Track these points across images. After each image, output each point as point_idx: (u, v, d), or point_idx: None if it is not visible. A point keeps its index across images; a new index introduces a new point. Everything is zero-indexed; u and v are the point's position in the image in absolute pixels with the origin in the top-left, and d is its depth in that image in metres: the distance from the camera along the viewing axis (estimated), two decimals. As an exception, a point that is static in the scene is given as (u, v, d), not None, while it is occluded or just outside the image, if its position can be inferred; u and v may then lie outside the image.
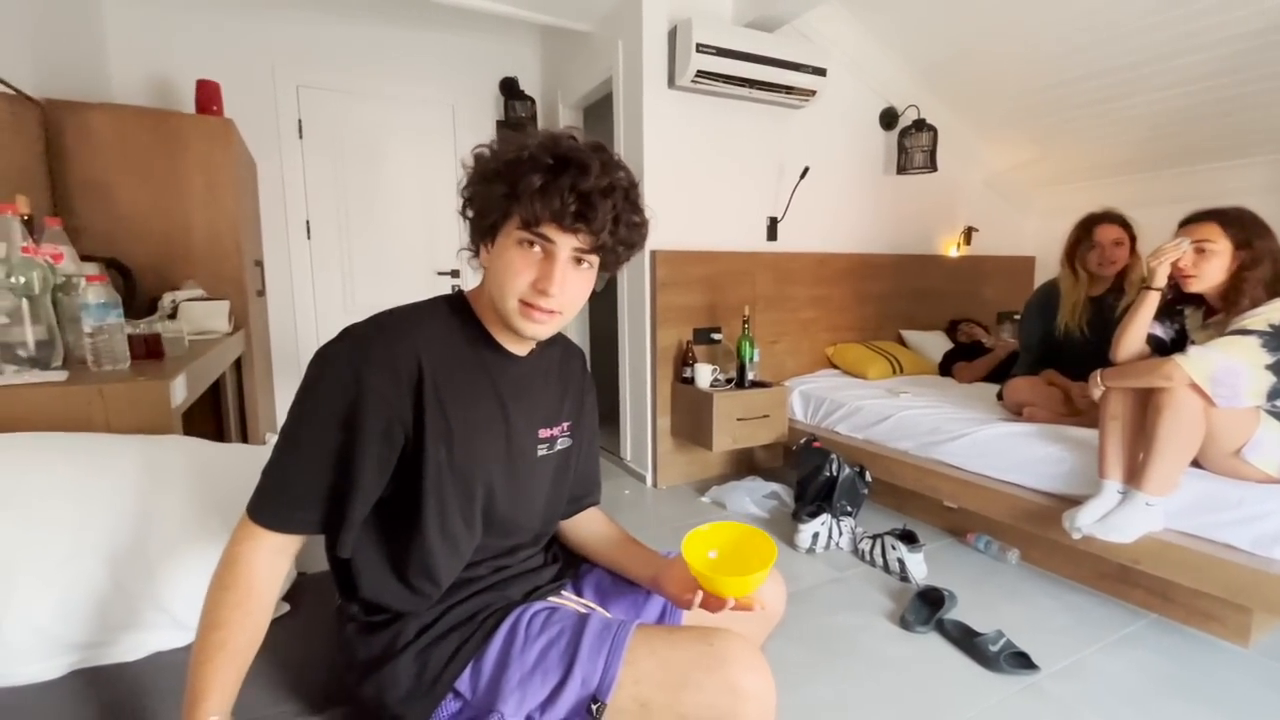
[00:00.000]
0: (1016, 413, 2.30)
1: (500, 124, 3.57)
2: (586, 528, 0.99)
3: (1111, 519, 1.65)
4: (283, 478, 0.71)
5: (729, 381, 2.74)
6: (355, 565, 0.76)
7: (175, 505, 0.91)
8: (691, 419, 2.71)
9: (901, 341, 3.47)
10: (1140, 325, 1.73)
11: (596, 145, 0.74)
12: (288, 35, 3.07)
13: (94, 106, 2.03)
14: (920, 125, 3.19)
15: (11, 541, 0.79)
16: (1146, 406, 1.63)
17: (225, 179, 2.20)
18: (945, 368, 3.18)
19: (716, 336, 2.91)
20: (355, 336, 0.73)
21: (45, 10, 2.08)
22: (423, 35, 3.35)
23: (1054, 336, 2.26)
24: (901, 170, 3.31)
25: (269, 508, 0.70)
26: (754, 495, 2.62)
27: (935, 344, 3.40)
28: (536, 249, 0.72)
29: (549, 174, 0.69)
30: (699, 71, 2.56)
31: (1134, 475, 1.66)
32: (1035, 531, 1.95)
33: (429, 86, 3.43)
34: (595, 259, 0.75)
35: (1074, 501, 1.81)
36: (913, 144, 3.23)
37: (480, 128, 3.57)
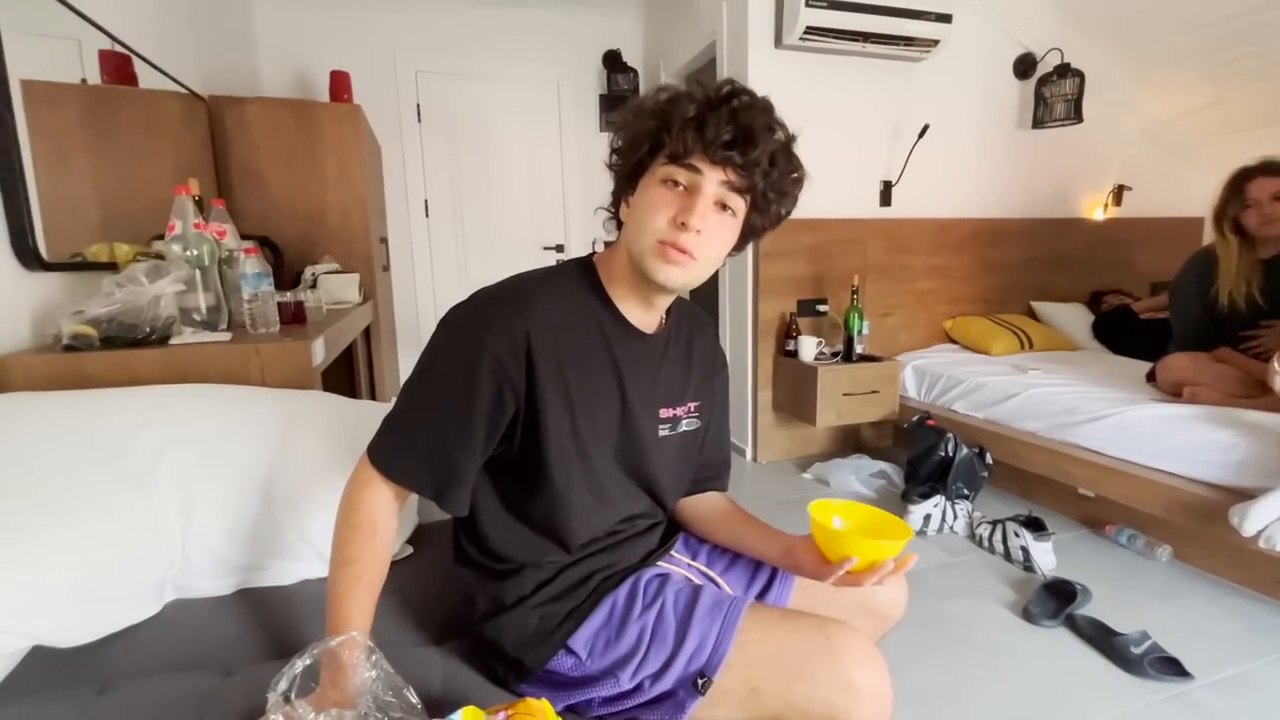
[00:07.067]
0: (1173, 394, 2.03)
1: (603, 98, 3.59)
2: (705, 505, 0.95)
3: (1296, 516, 1.42)
4: (403, 432, 0.73)
5: (835, 355, 2.63)
6: (483, 520, 0.78)
7: (319, 451, 1.01)
8: (794, 393, 2.63)
9: (1032, 314, 3.15)
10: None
11: (763, 97, 0.71)
12: (407, 23, 3.26)
13: (249, 100, 2.26)
14: (1064, 71, 2.83)
15: (194, 473, 0.92)
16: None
17: (355, 162, 2.39)
18: (1108, 336, 2.89)
19: (822, 308, 2.79)
20: (480, 301, 0.74)
21: (208, 16, 2.34)
22: (529, 13, 3.43)
23: (1217, 311, 1.95)
24: (1038, 124, 2.96)
25: (389, 458, 0.73)
26: (860, 473, 2.51)
27: (1073, 317, 3.05)
28: (681, 186, 0.69)
29: (706, 105, 0.67)
30: (808, 28, 2.42)
31: (1329, 467, 1.42)
32: (1195, 527, 1.72)
33: (535, 64, 3.51)
34: (741, 204, 0.71)
35: (1246, 495, 1.57)
36: (1053, 93, 2.88)
37: (584, 103, 3.62)
